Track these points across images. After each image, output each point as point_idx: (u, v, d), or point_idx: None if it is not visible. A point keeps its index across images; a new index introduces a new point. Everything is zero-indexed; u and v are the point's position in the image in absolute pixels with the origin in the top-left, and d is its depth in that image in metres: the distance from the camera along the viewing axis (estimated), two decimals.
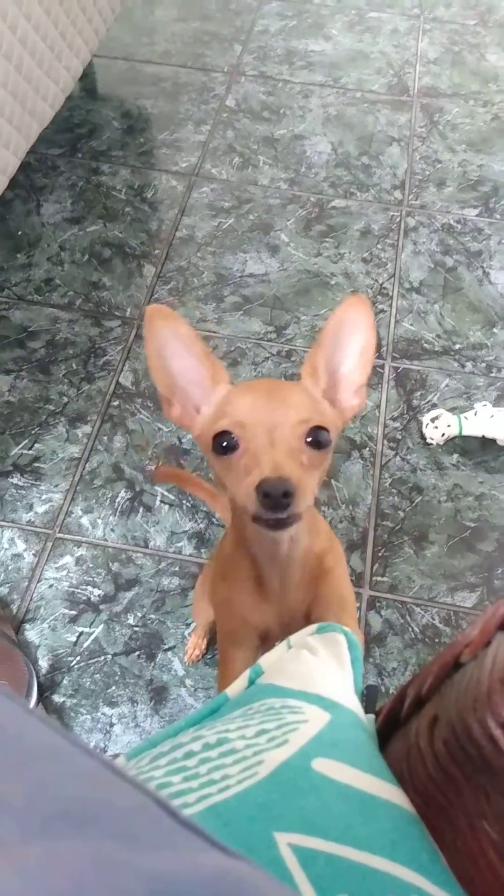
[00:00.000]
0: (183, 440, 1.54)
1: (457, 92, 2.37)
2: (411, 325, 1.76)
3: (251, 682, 0.59)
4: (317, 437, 0.65)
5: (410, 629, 1.33)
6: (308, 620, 0.81)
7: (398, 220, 1.99)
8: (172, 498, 1.46)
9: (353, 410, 0.73)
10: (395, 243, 1.93)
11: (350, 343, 0.72)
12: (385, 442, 1.56)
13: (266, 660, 0.61)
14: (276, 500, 0.60)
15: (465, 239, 1.95)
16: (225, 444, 0.65)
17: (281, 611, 0.79)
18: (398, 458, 1.54)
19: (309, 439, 0.65)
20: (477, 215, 2.01)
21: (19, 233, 1.91)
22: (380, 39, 2.55)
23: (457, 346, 1.72)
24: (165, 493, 1.47)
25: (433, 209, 2.02)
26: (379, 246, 1.93)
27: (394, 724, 0.56)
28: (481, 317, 1.78)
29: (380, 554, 1.41)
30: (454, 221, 1.99)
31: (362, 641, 0.71)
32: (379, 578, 1.38)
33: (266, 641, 0.82)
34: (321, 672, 0.57)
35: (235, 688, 0.59)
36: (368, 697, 0.60)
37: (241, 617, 0.80)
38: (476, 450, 1.55)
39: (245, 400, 0.67)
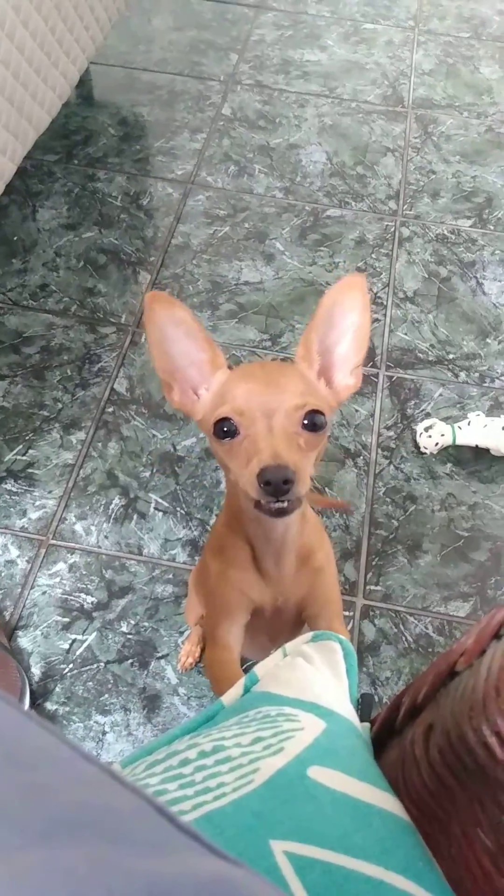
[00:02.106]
0: (177, 448, 1.54)
1: (451, 103, 2.38)
2: (405, 334, 1.76)
3: (247, 689, 0.59)
4: (313, 420, 0.67)
5: (404, 638, 1.33)
6: (300, 616, 0.84)
7: (392, 229, 2.00)
8: (167, 505, 1.46)
9: (349, 391, 0.75)
10: (389, 253, 1.94)
11: (345, 323, 0.73)
12: (379, 451, 1.56)
13: (262, 668, 0.61)
14: (276, 487, 0.62)
15: (459, 249, 1.96)
16: (226, 429, 0.67)
17: (275, 592, 0.81)
18: (392, 466, 1.54)
19: (305, 422, 0.67)
20: (471, 226, 2.02)
21: (15, 238, 1.91)
22: (375, 50, 2.56)
23: (450, 356, 1.73)
24: (160, 501, 1.47)
25: (427, 219, 2.03)
26: (373, 255, 1.93)
27: (389, 732, 0.56)
28: (475, 327, 1.79)
29: (373, 563, 1.41)
30: (448, 232, 2.00)
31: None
32: (372, 587, 1.38)
33: (256, 619, 0.84)
34: (317, 680, 0.57)
35: (231, 695, 0.59)
36: (363, 706, 0.60)
37: (236, 588, 0.81)
38: (469, 459, 1.55)
39: (243, 387, 0.68)
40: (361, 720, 0.57)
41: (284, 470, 0.62)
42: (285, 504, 0.64)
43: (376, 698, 1.26)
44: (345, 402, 0.77)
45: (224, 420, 0.67)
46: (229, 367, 0.74)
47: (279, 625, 0.87)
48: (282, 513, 0.65)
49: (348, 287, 0.72)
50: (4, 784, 0.29)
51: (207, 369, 0.73)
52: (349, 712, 0.56)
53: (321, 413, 0.68)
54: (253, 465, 0.63)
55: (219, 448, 0.69)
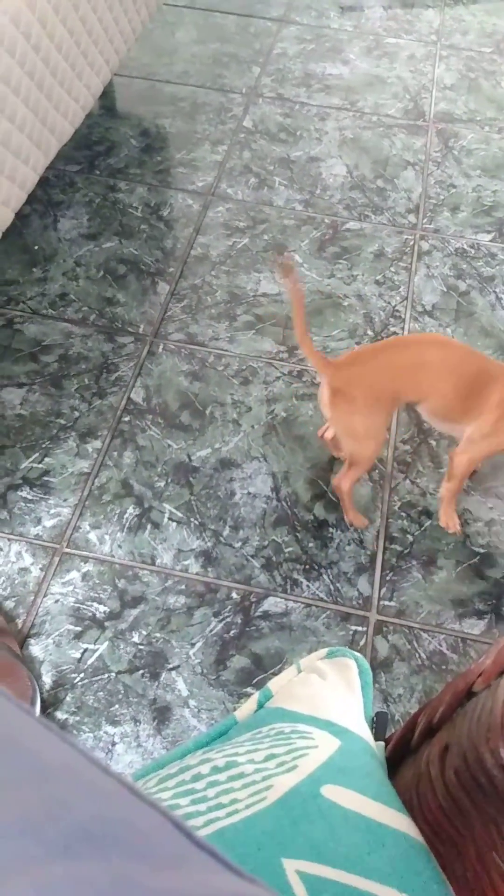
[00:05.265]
0: (192, 458, 1.54)
1: (472, 118, 2.39)
2: None
3: (260, 705, 0.59)
4: None
5: (417, 655, 1.32)
6: None
7: (412, 243, 2.00)
8: (180, 515, 1.46)
9: None
10: (408, 266, 1.94)
11: None
12: (395, 465, 1.55)
13: (276, 683, 0.60)
14: None
15: (479, 264, 1.96)
16: None
17: None
18: (408, 481, 1.53)
19: None
20: (491, 240, 2.02)
21: (36, 247, 1.92)
22: (397, 65, 2.57)
23: None
24: (174, 511, 1.47)
25: (447, 233, 2.03)
26: (392, 269, 1.93)
27: (404, 751, 0.56)
28: (493, 342, 1.78)
29: (387, 577, 1.40)
30: (468, 246, 2.00)
31: None
32: (386, 603, 1.37)
33: None
34: (331, 697, 0.57)
35: (244, 711, 0.58)
36: (378, 724, 0.59)
37: None
38: (486, 475, 1.54)
39: None
40: (376, 739, 0.57)
41: None
42: None
43: (389, 715, 1.25)
44: None
45: None
46: None
47: None
48: None
49: None
50: (26, 795, 0.29)
51: None
52: (364, 730, 0.55)
53: None
54: None
55: None
